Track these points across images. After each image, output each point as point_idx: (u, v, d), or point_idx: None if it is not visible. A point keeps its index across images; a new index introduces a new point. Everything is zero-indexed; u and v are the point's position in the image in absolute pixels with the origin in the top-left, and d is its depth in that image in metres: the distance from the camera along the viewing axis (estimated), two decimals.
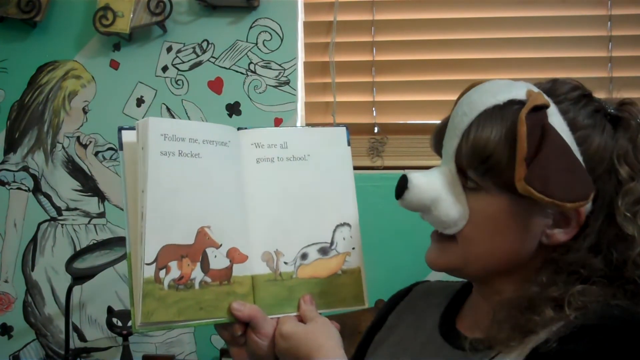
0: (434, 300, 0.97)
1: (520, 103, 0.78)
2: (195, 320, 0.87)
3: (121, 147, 0.87)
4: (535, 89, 0.81)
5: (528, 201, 0.76)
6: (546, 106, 0.77)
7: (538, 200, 0.73)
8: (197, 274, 0.87)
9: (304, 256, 0.94)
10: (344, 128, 0.99)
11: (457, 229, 0.81)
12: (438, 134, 0.87)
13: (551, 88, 0.82)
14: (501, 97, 0.79)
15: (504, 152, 0.76)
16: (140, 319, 0.82)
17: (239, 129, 0.94)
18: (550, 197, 0.73)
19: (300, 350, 0.86)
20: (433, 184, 0.82)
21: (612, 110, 0.82)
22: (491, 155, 0.77)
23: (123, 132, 0.88)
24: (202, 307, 0.86)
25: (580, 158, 0.77)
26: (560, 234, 0.79)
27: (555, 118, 0.78)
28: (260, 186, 0.93)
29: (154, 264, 0.83)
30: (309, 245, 0.94)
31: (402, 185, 0.82)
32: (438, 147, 0.87)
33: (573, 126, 0.79)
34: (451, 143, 0.82)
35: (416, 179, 0.82)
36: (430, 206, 0.82)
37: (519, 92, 0.79)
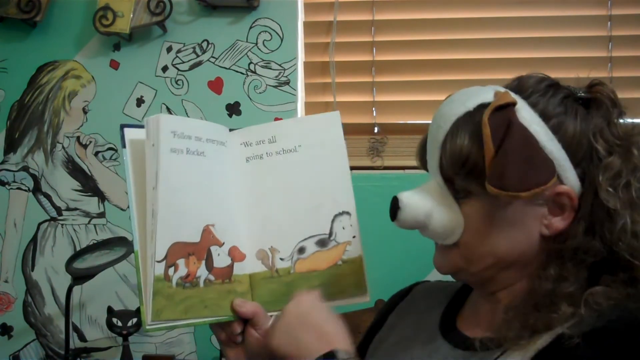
0: (434, 300, 0.97)
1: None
2: (201, 318, 0.87)
3: (124, 145, 0.87)
4: (502, 90, 0.82)
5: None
6: (512, 104, 0.79)
7: (498, 196, 0.76)
8: (202, 272, 0.87)
9: (301, 250, 0.93)
10: (337, 112, 0.97)
11: (456, 237, 0.82)
12: (421, 151, 0.89)
13: (518, 85, 0.84)
14: (470, 104, 0.81)
15: (478, 154, 0.78)
16: (151, 317, 0.82)
17: (230, 130, 0.94)
18: (506, 191, 0.75)
19: (311, 316, 0.84)
20: (424, 199, 0.83)
21: (582, 94, 0.84)
22: (467, 159, 0.79)
23: (126, 129, 0.87)
24: (206, 305, 0.86)
25: (558, 146, 0.79)
26: (558, 222, 0.80)
27: (525, 112, 0.79)
28: (250, 185, 0.93)
29: (164, 262, 0.83)
30: (306, 239, 0.93)
31: (395, 207, 0.83)
32: (423, 163, 0.88)
33: (545, 116, 0.80)
34: (433, 157, 0.83)
35: (406, 198, 0.83)
36: (425, 221, 0.83)
37: (487, 95, 0.81)
